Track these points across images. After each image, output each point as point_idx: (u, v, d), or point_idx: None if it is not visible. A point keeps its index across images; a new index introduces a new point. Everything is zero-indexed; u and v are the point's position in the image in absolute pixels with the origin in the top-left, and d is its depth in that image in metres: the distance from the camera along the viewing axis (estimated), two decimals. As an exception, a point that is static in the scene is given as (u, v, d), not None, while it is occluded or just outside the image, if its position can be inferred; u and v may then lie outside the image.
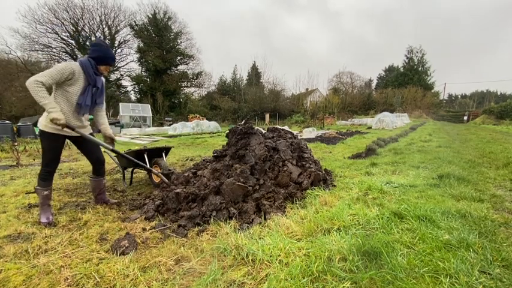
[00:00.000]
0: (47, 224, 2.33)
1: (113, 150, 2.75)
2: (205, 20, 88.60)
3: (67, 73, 2.28)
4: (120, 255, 1.79)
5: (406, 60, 44.08)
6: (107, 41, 31.84)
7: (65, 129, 2.37)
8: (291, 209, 2.53)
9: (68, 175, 4.58)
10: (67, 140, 2.60)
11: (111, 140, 2.75)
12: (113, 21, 31.77)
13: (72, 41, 30.21)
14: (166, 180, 2.74)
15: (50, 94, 2.31)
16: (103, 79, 2.65)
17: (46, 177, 2.46)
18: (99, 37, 31.40)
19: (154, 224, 2.36)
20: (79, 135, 2.51)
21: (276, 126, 5.61)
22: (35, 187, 2.52)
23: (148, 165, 3.72)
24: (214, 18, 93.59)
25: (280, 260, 1.61)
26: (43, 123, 2.36)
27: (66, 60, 30.68)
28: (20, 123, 14.00)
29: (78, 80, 2.37)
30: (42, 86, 2.15)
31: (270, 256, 1.64)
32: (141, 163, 3.04)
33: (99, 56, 2.44)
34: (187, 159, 6.08)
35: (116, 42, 33.11)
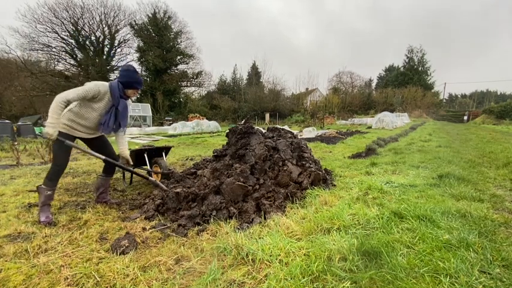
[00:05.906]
0: (47, 223, 2.33)
1: (127, 169, 2.94)
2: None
3: (92, 93, 2.44)
4: (120, 254, 1.79)
5: (406, 60, 44.12)
6: (106, 41, 31.90)
7: (76, 132, 2.54)
8: (291, 208, 2.53)
9: (68, 174, 4.57)
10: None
11: (126, 161, 2.96)
12: (112, 20, 31.73)
13: (72, 40, 30.17)
14: (165, 187, 2.82)
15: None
16: (128, 102, 2.78)
17: (54, 177, 2.50)
18: (99, 36, 31.43)
19: (154, 223, 2.36)
20: (90, 137, 2.70)
21: (276, 125, 5.61)
22: (37, 186, 2.52)
23: (148, 165, 3.74)
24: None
25: (280, 259, 1.61)
26: None
27: (65, 59, 30.79)
28: (19, 123, 13.96)
29: (102, 100, 2.54)
30: (64, 104, 2.31)
31: (270, 256, 1.64)
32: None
33: (127, 81, 2.62)
34: (187, 159, 6.08)
35: (116, 42, 33.08)
